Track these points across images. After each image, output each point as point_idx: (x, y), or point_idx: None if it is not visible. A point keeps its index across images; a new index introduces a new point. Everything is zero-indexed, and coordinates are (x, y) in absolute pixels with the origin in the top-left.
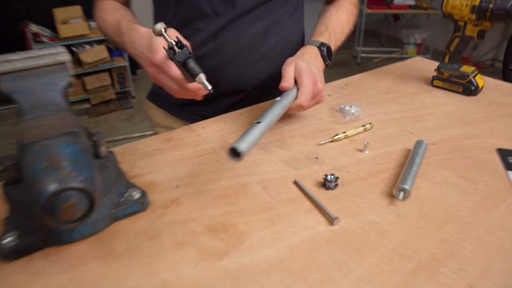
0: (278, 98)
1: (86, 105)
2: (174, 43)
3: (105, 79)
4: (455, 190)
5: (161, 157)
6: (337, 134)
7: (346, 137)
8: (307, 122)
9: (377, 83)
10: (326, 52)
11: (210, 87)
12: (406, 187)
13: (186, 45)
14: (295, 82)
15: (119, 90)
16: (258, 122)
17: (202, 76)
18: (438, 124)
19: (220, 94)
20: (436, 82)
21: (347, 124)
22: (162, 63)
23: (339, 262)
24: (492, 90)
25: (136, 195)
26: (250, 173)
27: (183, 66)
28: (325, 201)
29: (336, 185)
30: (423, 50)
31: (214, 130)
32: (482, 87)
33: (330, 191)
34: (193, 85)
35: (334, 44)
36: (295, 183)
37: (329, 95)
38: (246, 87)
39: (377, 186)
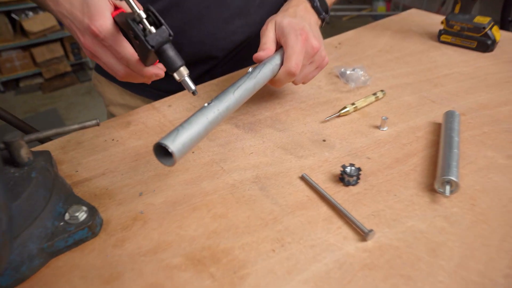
0: (251, 68)
1: (39, 80)
2: (144, 15)
3: (57, 50)
4: (508, 176)
5: (117, 151)
6: (345, 107)
7: (355, 109)
8: (302, 93)
9: (375, 40)
10: (319, 2)
11: (194, 88)
12: (453, 178)
13: (164, 24)
14: (281, 47)
15: (74, 62)
16: (209, 104)
17: (184, 72)
18: (459, 88)
19: None
20: (444, 37)
21: (352, 92)
22: (107, 35)
23: None
24: (508, 44)
25: (82, 215)
26: (239, 167)
27: (156, 52)
28: (347, 203)
29: (358, 179)
30: (392, 6)
31: (184, 108)
32: (498, 42)
33: (351, 187)
34: (150, 70)
35: None
36: (302, 178)
37: None
38: (217, 53)
39: (409, 177)
